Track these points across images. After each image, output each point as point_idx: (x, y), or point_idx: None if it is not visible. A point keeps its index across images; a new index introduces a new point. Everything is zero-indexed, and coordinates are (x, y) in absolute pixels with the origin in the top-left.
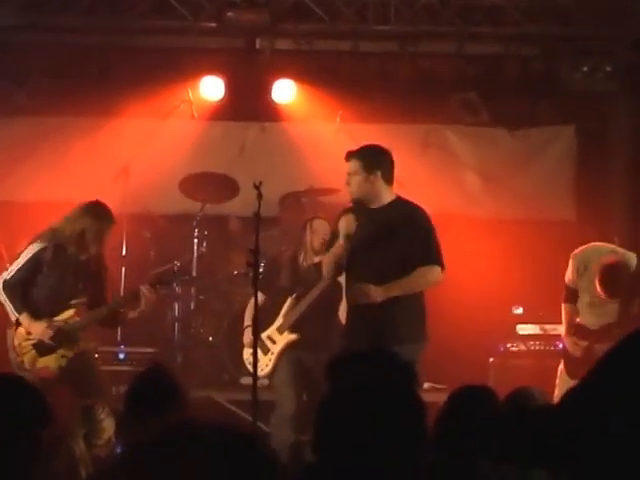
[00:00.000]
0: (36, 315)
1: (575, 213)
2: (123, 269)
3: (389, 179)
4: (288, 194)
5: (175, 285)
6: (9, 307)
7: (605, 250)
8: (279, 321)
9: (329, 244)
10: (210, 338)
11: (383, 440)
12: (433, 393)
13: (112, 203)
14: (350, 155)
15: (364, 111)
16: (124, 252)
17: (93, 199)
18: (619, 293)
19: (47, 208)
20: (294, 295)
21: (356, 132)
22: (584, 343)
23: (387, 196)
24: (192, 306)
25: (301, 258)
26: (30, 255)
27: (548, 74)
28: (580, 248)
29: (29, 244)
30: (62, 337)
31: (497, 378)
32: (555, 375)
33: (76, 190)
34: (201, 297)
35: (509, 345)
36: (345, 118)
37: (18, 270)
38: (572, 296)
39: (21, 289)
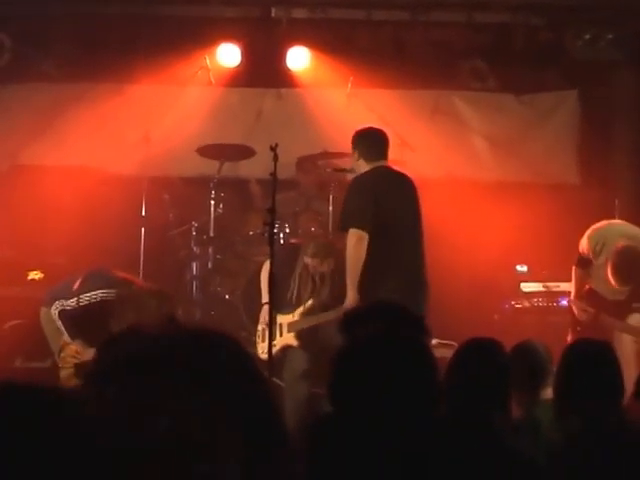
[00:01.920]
0: (90, 344)
1: (579, 177)
2: (143, 230)
3: (368, 156)
4: (304, 157)
5: (193, 245)
6: (64, 332)
7: (617, 232)
8: (295, 317)
9: None
10: (227, 296)
11: (397, 392)
12: (441, 349)
13: (132, 167)
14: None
15: (376, 78)
16: (144, 213)
17: None
18: (631, 281)
19: (71, 172)
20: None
21: (369, 98)
22: (592, 310)
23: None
24: (210, 265)
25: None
26: (97, 299)
27: (554, 42)
28: (594, 227)
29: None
30: None
31: (502, 334)
32: (557, 330)
33: (98, 155)
34: (218, 257)
35: (514, 302)
36: (358, 84)
37: (79, 307)
38: (584, 263)
39: (79, 318)
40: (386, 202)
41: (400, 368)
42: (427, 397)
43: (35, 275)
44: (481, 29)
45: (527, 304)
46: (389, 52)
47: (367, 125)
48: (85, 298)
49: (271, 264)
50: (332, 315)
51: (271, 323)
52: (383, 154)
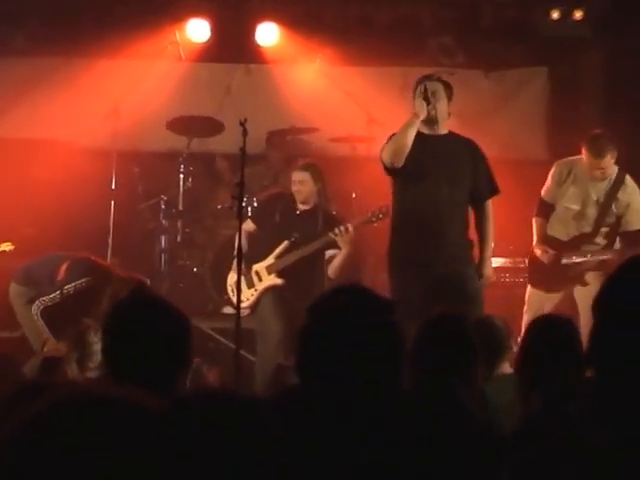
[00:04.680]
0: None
1: (547, 153)
2: (112, 203)
3: None
4: (274, 132)
5: (162, 218)
6: (46, 333)
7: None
8: (270, 261)
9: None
10: (195, 269)
11: (360, 364)
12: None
13: (102, 140)
14: (440, 81)
15: (345, 54)
16: (113, 186)
17: None
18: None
19: (41, 145)
20: (292, 239)
21: (337, 74)
22: (552, 252)
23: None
24: (178, 239)
25: (297, 205)
26: (82, 286)
27: (522, 19)
28: (559, 162)
29: (84, 274)
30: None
31: None
32: (522, 304)
33: (69, 128)
34: (187, 230)
35: None
36: (326, 61)
37: (62, 300)
38: (545, 210)
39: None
40: None
41: (361, 341)
42: (392, 369)
43: (6, 247)
44: (449, 5)
45: (493, 279)
46: (357, 28)
47: (334, 101)
48: (70, 288)
49: (239, 239)
50: (315, 246)
51: (239, 296)
52: None
